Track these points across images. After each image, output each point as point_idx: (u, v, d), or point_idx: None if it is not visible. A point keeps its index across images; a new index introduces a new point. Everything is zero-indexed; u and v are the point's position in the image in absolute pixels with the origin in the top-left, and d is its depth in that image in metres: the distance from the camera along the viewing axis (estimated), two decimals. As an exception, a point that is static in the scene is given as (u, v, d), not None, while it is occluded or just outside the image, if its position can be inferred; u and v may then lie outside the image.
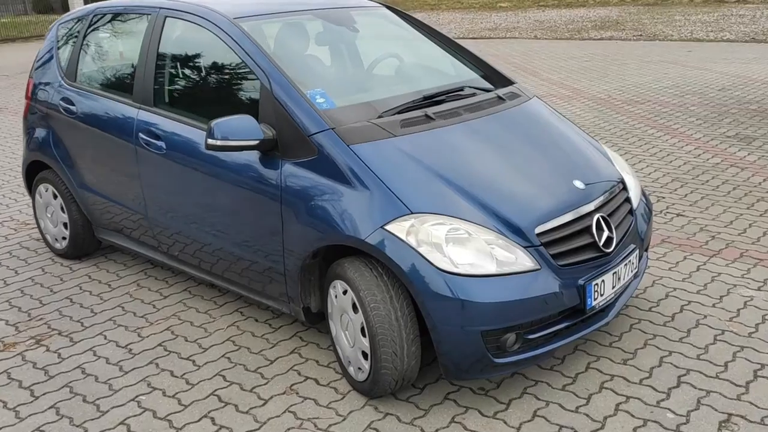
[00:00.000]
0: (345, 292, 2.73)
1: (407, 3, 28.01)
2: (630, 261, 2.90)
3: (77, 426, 2.70)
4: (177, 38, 3.57)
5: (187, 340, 3.30)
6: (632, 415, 2.61)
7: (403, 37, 3.97)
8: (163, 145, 3.36)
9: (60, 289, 3.92)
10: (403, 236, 2.52)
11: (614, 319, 2.93)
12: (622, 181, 3.15)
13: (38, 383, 3.00)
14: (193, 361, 3.11)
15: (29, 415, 2.78)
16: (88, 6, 4.24)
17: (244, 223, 3.09)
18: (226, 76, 3.35)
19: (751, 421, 2.55)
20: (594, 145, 3.36)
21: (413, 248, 2.50)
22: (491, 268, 2.50)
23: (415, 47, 3.95)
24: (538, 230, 2.63)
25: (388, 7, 4.09)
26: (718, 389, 2.74)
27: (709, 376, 2.82)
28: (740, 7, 20.21)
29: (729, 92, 8.49)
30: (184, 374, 3.02)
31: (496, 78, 3.62)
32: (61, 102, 4.05)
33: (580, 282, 2.65)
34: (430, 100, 3.14)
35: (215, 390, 2.89)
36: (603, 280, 2.73)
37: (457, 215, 2.58)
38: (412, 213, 2.56)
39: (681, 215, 4.57)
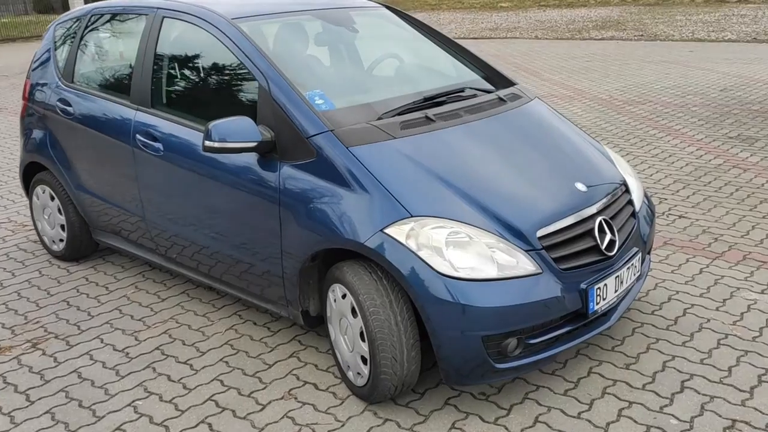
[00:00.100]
0: (344, 296, 2.70)
1: (408, 3, 27.98)
2: (633, 264, 2.86)
3: (73, 432, 2.67)
4: (175, 39, 3.53)
5: (184, 344, 3.27)
6: (635, 421, 2.57)
7: (403, 38, 3.94)
8: (161, 147, 3.33)
9: (57, 292, 3.89)
10: (402, 240, 2.48)
11: (616, 322, 2.89)
12: (625, 183, 3.11)
13: (34, 388, 2.97)
14: (191, 365, 3.08)
15: (24, 421, 2.75)
16: (85, 6, 4.21)
17: (242, 225, 3.05)
18: (224, 77, 3.31)
19: (755, 428, 2.51)
20: (596, 146, 3.33)
21: (413, 252, 2.46)
22: (492, 272, 2.46)
23: (415, 48, 3.91)
24: (539, 233, 2.59)
25: (388, 7, 4.06)
26: (722, 395, 2.70)
27: (713, 381, 2.79)
28: (742, 6, 20.17)
29: (731, 93, 8.45)
30: (181, 378, 2.98)
31: (497, 79, 3.59)
32: (58, 103, 4.02)
33: (582, 286, 2.61)
34: (431, 101, 3.10)
35: (213, 395, 2.85)
36: (605, 284, 2.70)
37: (457, 218, 2.54)
38: (411, 216, 2.53)
39: (683, 217, 4.53)
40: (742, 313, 3.30)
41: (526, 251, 2.54)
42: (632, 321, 3.27)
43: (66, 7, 28.70)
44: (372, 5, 4.03)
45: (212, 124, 2.77)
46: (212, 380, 2.96)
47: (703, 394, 2.71)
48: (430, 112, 2.97)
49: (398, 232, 2.50)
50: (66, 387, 2.96)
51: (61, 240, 4.22)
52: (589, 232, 2.72)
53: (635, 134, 6.72)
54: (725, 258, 3.89)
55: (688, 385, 2.77)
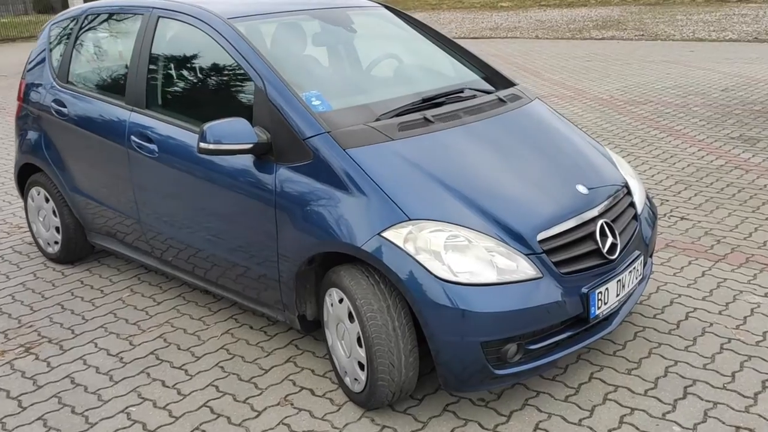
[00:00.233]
0: (341, 301, 2.65)
1: (408, 2, 27.94)
2: (634, 268, 2.82)
3: (65, 438, 2.63)
4: (170, 39, 3.48)
5: (179, 348, 3.22)
6: (637, 429, 2.52)
7: (402, 38, 3.89)
8: (156, 149, 3.28)
9: (51, 295, 3.84)
10: (400, 243, 2.44)
11: (618, 327, 2.84)
12: (626, 185, 3.06)
13: (26, 393, 2.92)
14: (186, 371, 3.03)
15: (16, 427, 2.70)
16: (80, 6, 4.16)
17: (238, 228, 3.00)
18: (220, 78, 3.27)
19: (760, 435, 2.47)
20: (597, 148, 3.28)
21: (411, 256, 2.41)
22: (492, 277, 2.42)
23: (414, 48, 3.86)
24: (540, 237, 2.54)
25: (387, 7, 4.01)
26: (726, 401, 2.65)
27: (716, 387, 2.74)
28: (742, 6, 20.11)
29: (732, 93, 8.40)
30: (175, 384, 2.93)
31: (496, 79, 3.54)
32: (53, 104, 3.97)
33: (584, 290, 2.57)
34: (429, 102, 3.05)
35: (207, 401, 2.81)
36: (607, 288, 2.65)
37: (456, 222, 2.50)
38: (410, 219, 2.48)
39: (685, 218, 4.49)
40: (745, 317, 3.25)
41: (526, 255, 2.49)
42: (634, 325, 3.22)
43: (66, 8, 28.64)
44: (371, 5, 3.98)
45: (207, 126, 2.72)
46: (207, 386, 2.91)
47: (707, 401, 2.66)
48: (429, 114, 2.92)
49: (396, 235, 2.45)
50: (59, 393, 2.91)
51: (56, 242, 4.17)
52: (591, 236, 2.67)
53: (636, 134, 6.67)
54: (728, 260, 3.85)
55: (690, 390, 2.73)
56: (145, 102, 3.42)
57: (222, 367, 3.04)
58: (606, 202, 2.82)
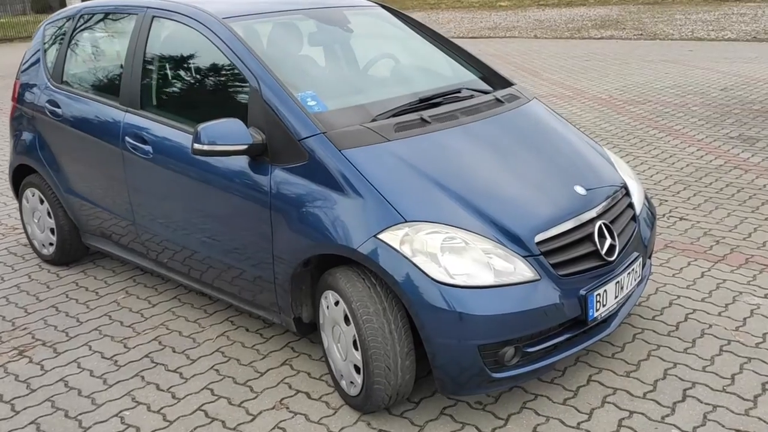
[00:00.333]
0: (337, 303, 2.63)
1: (407, 2, 27.91)
2: (633, 269, 2.79)
3: (58, 443, 2.60)
4: (165, 39, 3.46)
5: (174, 351, 3.19)
6: (636, 432, 2.50)
7: (399, 37, 3.86)
8: (150, 150, 3.25)
9: (46, 297, 3.81)
10: (396, 245, 2.41)
11: (617, 329, 2.82)
12: (625, 186, 3.04)
13: (19, 397, 2.89)
14: (181, 374, 3.00)
15: (9, 431, 2.68)
16: (75, 6, 4.13)
17: (233, 230, 2.98)
18: (215, 78, 3.24)
19: (760, 438, 2.44)
20: (596, 148, 3.25)
21: (407, 258, 2.39)
22: (489, 279, 2.39)
23: (411, 48, 3.84)
24: (537, 239, 2.52)
25: (384, 7, 3.98)
26: (725, 403, 2.63)
27: (716, 389, 2.72)
28: (741, 5, 20.10)
29: (731, 92, 8.38)
30: (170, 388, 2.91)
31: (494, 79, 3.51)
32: (47, 104, 3.94)
33: (582, 292, 2.54)
34: (426, 102, 3.02)
35: (202, 405, 2.78)
36: (605, 290, 2.62)
37: (453, 223, 2.47)
38: (406, 221, 2.45)
39: (684, 219, 4.46)
40: (744, 319, 3.23)
41: (523, 257, 2.47)
42: (633, 327, 3.20)
43: (64, 7, 28.61)
44: (367, 4, 3.96)
45: (201, 127, 2.69)
46: (202, 389, 2.88)
47: (706, 403, 2.63)
48: (426, 114, 2.90)
49: (392, 237, 2.43)
50: (52, 396, 2.89)
51: (51, 244, 4.14)
52: (589, 237, 2.64)
53: (635, 134, 6.64)
54: (727, 261, 3.82)
55: (690, 393, 2.70)
56: (140, 102, 3.39)
57: (217, 370, 3.02)
58: (604, 203, 2.79)
